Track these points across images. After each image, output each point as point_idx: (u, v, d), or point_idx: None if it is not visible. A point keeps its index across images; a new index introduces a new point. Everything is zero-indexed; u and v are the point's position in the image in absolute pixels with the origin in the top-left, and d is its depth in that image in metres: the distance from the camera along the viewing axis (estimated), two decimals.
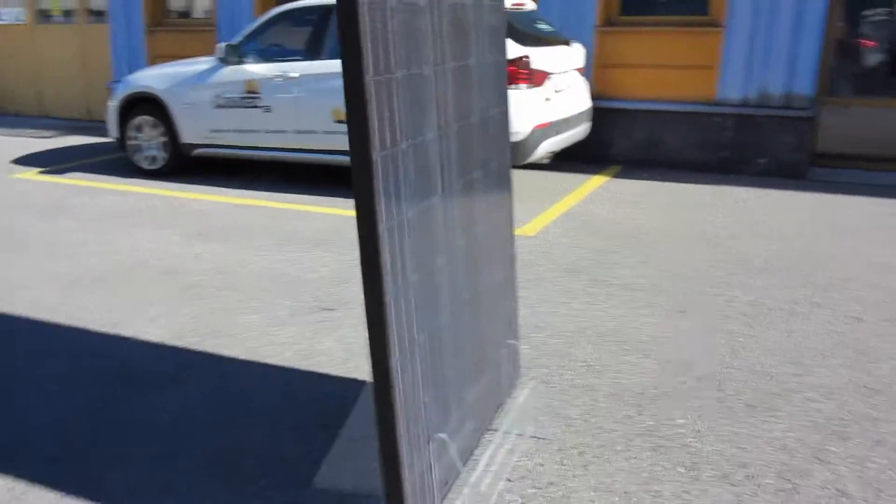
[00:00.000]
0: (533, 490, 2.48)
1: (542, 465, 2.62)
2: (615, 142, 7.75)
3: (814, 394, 3.09)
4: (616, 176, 7.22)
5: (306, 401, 3.06)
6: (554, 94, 6.23)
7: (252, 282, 4.39)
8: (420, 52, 2.14)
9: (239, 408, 3.02)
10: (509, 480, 2.54)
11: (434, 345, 2.25)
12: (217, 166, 7.46)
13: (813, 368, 3.31)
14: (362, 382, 3.20)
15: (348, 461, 2.64)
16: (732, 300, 4.09)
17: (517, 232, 5.28)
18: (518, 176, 6.97)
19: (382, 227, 1.91)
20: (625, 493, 2.47)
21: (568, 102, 6.52)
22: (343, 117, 6.13)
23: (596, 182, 6.96)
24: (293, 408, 3.00)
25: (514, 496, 2.45)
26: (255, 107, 6.57)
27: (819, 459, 2.64)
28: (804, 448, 2.71)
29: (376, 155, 1.89)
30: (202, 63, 6.94)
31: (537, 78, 5.97)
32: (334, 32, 6.42)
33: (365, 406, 2.99)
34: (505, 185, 2.97)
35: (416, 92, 2.12)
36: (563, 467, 2.61)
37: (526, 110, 5.87)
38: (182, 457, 2.69)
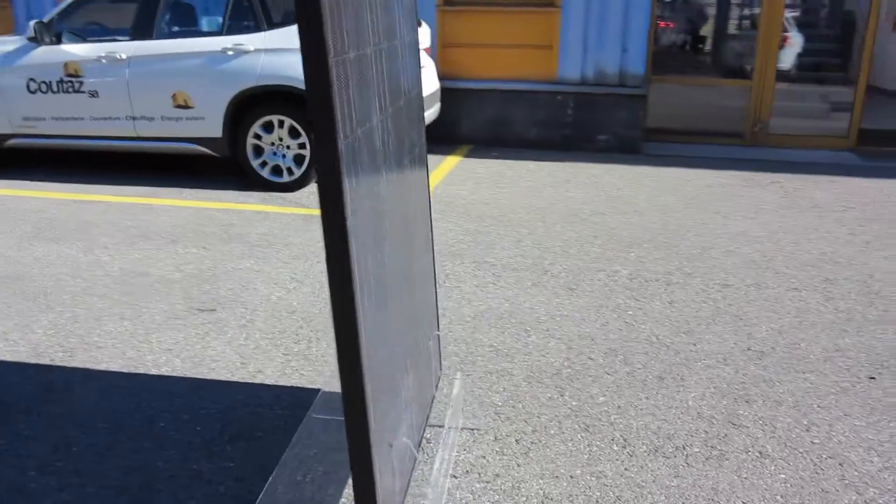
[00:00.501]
0: (481, 484, 2.41)
1: (483, 457, 2.56)
2: (462, 122, 7.80)
3: (710, 360, 3.27)
4: (468, 156, 7.27)
5: (213, 413, 2.77)
6: None
7: (111, 285, 3.93)
8: (363, 32, 1.97)
9: (134, 428, 2.68)
10: (455, 477, 2.45)
11: (388, 340, 2.10)
12: (36, 159, 6.63)
13: (702, 336, 3.51)
14: (274, 387, 2.96)
15: (293, 486, 2.43)
16: (613, 275, 4.24)
17: None
18: None
19: (349, 221, 1.73)
20: (571, 477, 2.46)
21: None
22: (184, 102, 5.67)
23: (451, 162, 6.97)
24: (200, 421, 2.71)
25: (464, 493, 2.37)
26: (79, 91, 5.89)
27: (733, 424, 2.79)
28: (718, 414, 2.85)
29: (341, 144, 1.71)
30: (7, 43, 6.10)
31: None
32: (165, 11, 5.89)
33: (312, 420, 2.77)
34: (424, 167, 2.84)
35: (363, 74, 1.94)
36: (504, 457, 2.56)
37: None
38: (85, 488, 2.33)
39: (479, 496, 2.36)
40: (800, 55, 8.58)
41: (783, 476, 2.49)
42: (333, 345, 3.32)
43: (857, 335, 3.54)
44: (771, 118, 7.80)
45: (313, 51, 1.64)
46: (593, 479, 2.46)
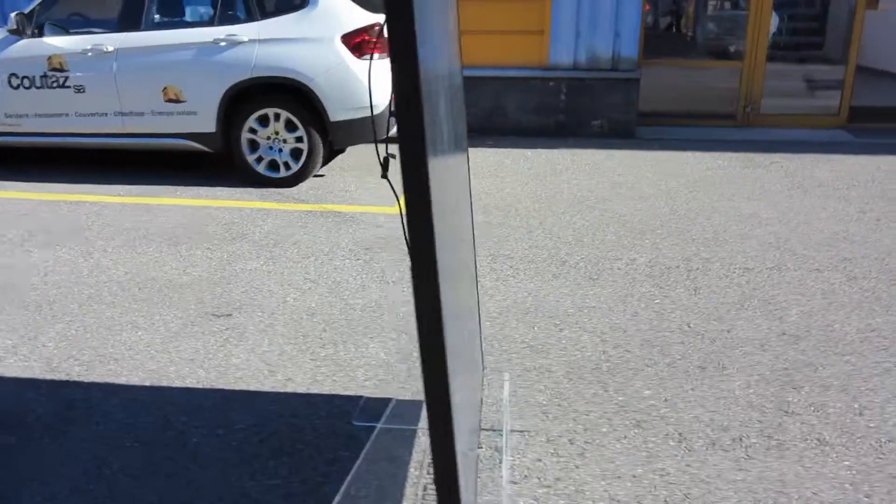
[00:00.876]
0: (543, 489, 2.32)
1: (539, 460, 2.46)
2: None
3: (748, 347, 3.21)
4: None
5: (248, 426, 2.64)
6: None
7: (118, 292, 3.77)
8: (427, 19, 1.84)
9: (167, 445, 2.54)
10: (514, 482, 2.35)
11: (463, 342, 1.99)
12: (21, 158, 6.38)
13: (734, 322, 3.44)
14: (307, 396, 2.83)
15: None
16: (632, 263, 4.16)
17: (391, 210, 5.04)
18: (368, 150, 6.68)
19: (433, 220, 1.61)
20: (633, 476, 2.38)
21: None
22: (175, 96, 5.48)
23: None
24: (236, 436, 2.58)
25: (527, 499, 2.27)
26: (64, 86, 5.66)
27: (785, 412, 2.73)
28: (768, 402, 2.79)
29: (427, 133, 1.59)
30: None
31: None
32: (153, 1, 5.67)
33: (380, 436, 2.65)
34: (467, 155, 2.73)
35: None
36: (560, 459, 2.47)
37: (384, 82, 5.58)
38: None
39: (544, 502, 2.27)
40: (787, 35, 8.57)
41: (847, 463, 2.44)
42: (362, 350, 3.20)
43: (888, 314, 3.50)
44: (762, 99, 7.78)
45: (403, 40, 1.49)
46: (657, 476, 2.38)
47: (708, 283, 3.88)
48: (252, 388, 2.90)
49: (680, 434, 2.60)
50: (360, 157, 6.56)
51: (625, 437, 2.58)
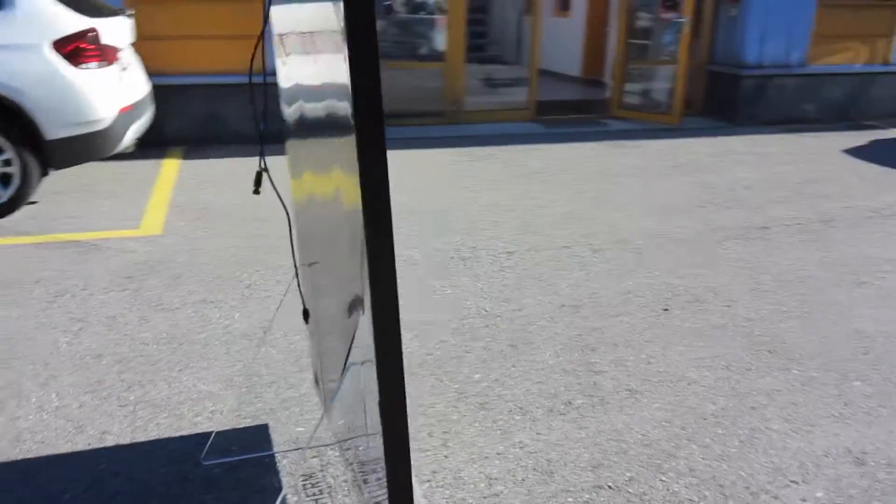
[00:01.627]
0: (426, 485, 2.38)
1: None
2: (169, 121, 7.18)
3: (541, 321, 3.56)
4: (186, 158, 6.75)
5: (79, 493, 2.30)
6: (123, 72, 5.48)
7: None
8: None
9: None
10: None
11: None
12: None
13: (521, 301, 3.79)
14: (135, 446, 2.53)
15: None
16: (409, 259, 4.34)
17: (135, 233, 4.64)
18: (91, 169, 6.00)
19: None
20: (498, 454, 2.54)
21: (135, 81, 5.80)
22: None
23: (172, 167, 6.42)
24: None
25: (417, 498, 2.31)
26: None
27: (594, 371, 3.10)
28: (577, 366, 3.14)
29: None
30: None
31: (109, 54, 5.17)
32: None
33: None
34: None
35: None
36: (428, 453, 2.54)
37: (107, 92, 5.06)
38: None
39: (431, 495, 2.33)
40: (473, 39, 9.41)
41: (657, 405, 2.86)
42: (176, 385, 2.94)
43: (635, 277, 4.12)
44: (466, 96, 8.48)
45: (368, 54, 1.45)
46: (517, 449, 2.57)
47: (483, 270, 4.19)
48: (62, 450, 2.51)
49: (520, 408, 2.83)
50: (75, 178, 5.85)
51: (476, 421, 2.74)
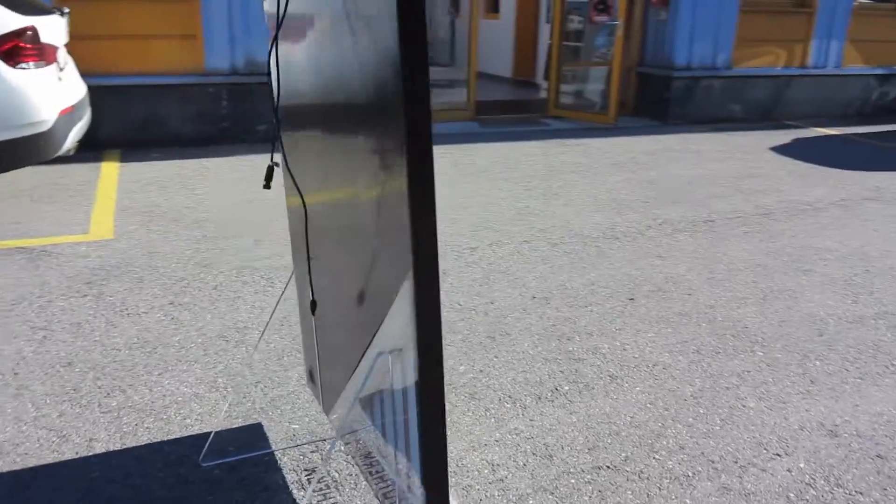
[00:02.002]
0: None
1: None
2: (105, 124, 6.93)
3: (515, 313, 3.63)
4: (124, 161, 6.54)
5: (73, 501, 2.22)
6: (61, 72, 5.28)
7: None
8: None
9: None
10: None
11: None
12: None
13: (492, 295, 3.85)
14: (127, 451, 2.46)
15: None
16: None
17: (86, 238, 4.49)
18: (27, 174, 5.75)
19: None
20: (496, 441, 2.59)
21: (74, 81, 5.59)
22: None
23: (112, 169, 6.21)
24: None
25: None
26: None
27: (574, 359, 3.19)
28: (557, 355, 3.23)
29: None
30: None
31: (48, 54, 4.97)
32: None
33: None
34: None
35: None
36: None
37: (47, 93, 4.86)
38: None
39: None
40: None
41: (638, 388, 2.97)
42: (158, 389, 2.87)
43: (596, 269, 4.24)
44: None
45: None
46: (514, 436, 2.62)
47: (450, 265, 4.24)
48: (49, 460, 2.42)
49: (510, 397, 2.88)
50: (10, 184, 5.59)
51: (469, 411, 2.78)
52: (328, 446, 2.53)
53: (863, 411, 2.85)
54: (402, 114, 1.44)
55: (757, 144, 8.04)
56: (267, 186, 2.04)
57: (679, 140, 8.15)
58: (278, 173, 2.06)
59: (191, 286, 3.84)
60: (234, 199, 5.39)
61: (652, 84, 9.23)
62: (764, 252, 4.62)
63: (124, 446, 2.50)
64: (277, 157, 2.11)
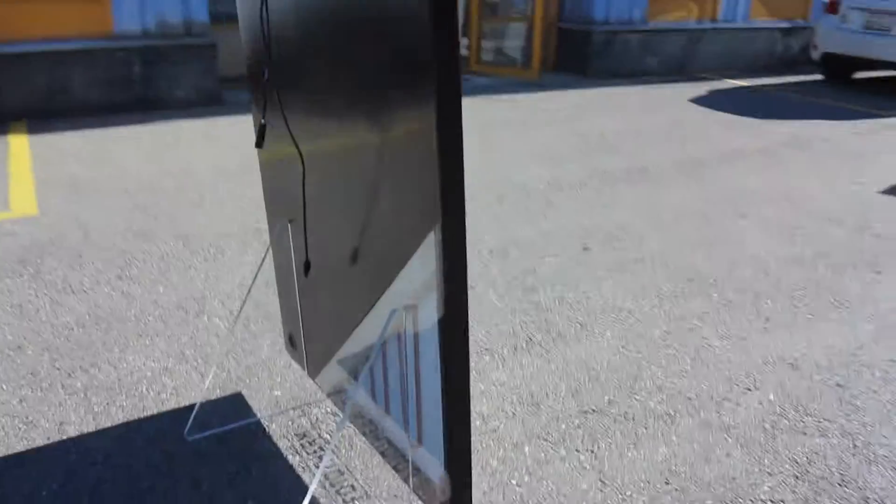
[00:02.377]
0: None
1: None
2: (7, 93, 6.46)
3: (484, 258, 3.64)
4: (34, 132, 6.12)
5: (62, 488, 2.11)
6: None
7: None
8: None
9: None
10: None
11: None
12: None
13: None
14: (104, 432, 2.34)
15: None
16: None
17: (8, 216, 4.21)
18: None
19: None
20: (480, 391, 2.60)
21: None
22: None
23: (21, 141, 5.81)
24: (69, 490, 2.04)
25: None
26: None
27: (542, 309, 3.23)
28: (525, 305, 3.26)
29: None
30: None
31: None
32: None
33: None
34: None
35: None
36: None
37: None
38: None
39: None
40: None
41: (608, 335, 3.04)
42: (123, 366, 2.74)
43: (546, 221, 4.29)
44: None
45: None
46: (497, 386, 2.64)
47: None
48: (20, 448, 2.28)
49: (487, 349, 2.90)
50: None
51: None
52: (314, 409, 2.48)
53: (817, 344, 3.01)
54: (429, 25, 1.31)
55: (676, 97, 8.28)
56: (259, 145, 1.94)
57: (602, 94, 8.29)
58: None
59: (136, 258, 3.66)
60: (158, 167, 5.15)
61: (572, 39, 9.32)
62: (702, 198, 4.78)
63: (99, 427, 2.38)
64: (269, 116, 2.01)
